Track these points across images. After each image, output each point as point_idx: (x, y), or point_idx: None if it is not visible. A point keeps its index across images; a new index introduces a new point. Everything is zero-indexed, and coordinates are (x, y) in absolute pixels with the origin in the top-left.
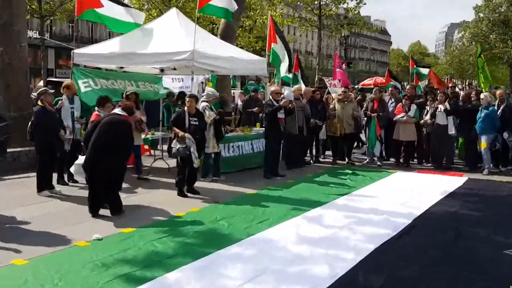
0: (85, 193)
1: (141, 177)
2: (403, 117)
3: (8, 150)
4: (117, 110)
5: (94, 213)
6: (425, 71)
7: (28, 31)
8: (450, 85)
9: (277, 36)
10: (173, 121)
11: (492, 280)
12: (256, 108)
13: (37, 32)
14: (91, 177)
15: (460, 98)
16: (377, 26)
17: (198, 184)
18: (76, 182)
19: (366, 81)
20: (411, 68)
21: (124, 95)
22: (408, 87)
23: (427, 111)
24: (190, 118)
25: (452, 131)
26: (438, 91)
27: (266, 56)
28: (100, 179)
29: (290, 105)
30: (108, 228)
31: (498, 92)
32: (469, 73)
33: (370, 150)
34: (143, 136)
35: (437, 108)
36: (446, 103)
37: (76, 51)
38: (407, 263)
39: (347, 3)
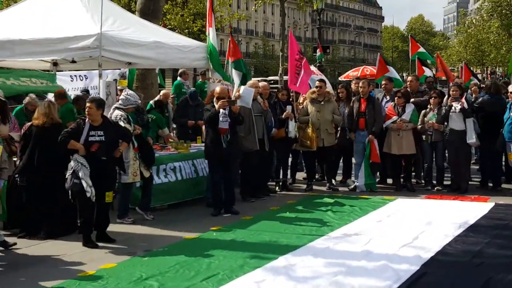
0: None
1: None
2: (395, 121)
3: None
4: None
5: None
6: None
7: None
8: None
9: (212, 15)
10: (65, 136)
11: None
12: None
13: None
14: None
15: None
16: None
17: (112, 227)
18: None
19: (351, 72)
20: (412, 52)
21: None
22: (409, 78)
23: (429, 112)
24: (92, 132)
25: (472, 138)
26: (451, 84)
27: (208, 40)
28: None
29: (233, 108)
30: None
31: None
32: (491, 58)
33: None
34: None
35: (451, 107)
36: (464, 100)
37: None
38: None
39: None
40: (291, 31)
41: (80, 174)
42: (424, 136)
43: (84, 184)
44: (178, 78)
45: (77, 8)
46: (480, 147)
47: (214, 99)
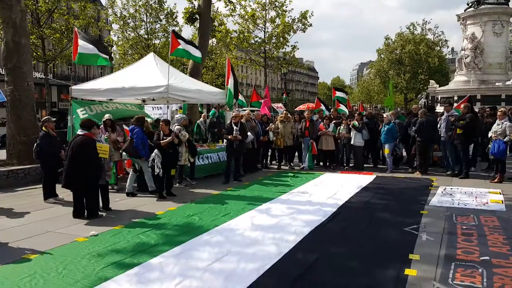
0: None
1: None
2: (324, 132)
3: (20, 167)
4: (79, 131)
5: (75, 216)
6: (344, 95)
7: (35, 72)
8: (359, 110)
9: (231, 75)
10: (156, 139)
11: (396, 250)
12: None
13: (42, 73)
14: (69, 188)
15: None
16: (308, 65)
17: (174, 188)
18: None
19: (301, 106)
20: (333, 96)
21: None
22: (332, 110)
23: (342, 127)
24: (164, 138)
25: (353, 142)
26: (356, 113)
27: (225, 89)
28: (77, 189)
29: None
30: (102, 226)
31: (391, 112)
32: (375, 99)
33: (305, 160)
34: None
35: (349, 125)
36: (354, 121)
37: (74, 87)
38: (335, 241)
39: (285, 48)
40: (268, 86)
41: (155, 161)
42: (339, 140)
43: (155, 166)
44: (212, 109)
45: (154, 70)
46: (365, 146)
47: (232, 120)
